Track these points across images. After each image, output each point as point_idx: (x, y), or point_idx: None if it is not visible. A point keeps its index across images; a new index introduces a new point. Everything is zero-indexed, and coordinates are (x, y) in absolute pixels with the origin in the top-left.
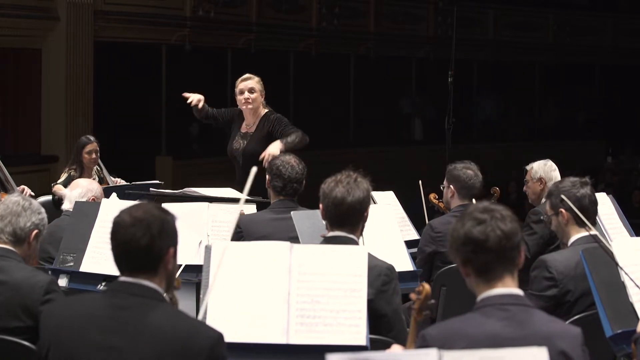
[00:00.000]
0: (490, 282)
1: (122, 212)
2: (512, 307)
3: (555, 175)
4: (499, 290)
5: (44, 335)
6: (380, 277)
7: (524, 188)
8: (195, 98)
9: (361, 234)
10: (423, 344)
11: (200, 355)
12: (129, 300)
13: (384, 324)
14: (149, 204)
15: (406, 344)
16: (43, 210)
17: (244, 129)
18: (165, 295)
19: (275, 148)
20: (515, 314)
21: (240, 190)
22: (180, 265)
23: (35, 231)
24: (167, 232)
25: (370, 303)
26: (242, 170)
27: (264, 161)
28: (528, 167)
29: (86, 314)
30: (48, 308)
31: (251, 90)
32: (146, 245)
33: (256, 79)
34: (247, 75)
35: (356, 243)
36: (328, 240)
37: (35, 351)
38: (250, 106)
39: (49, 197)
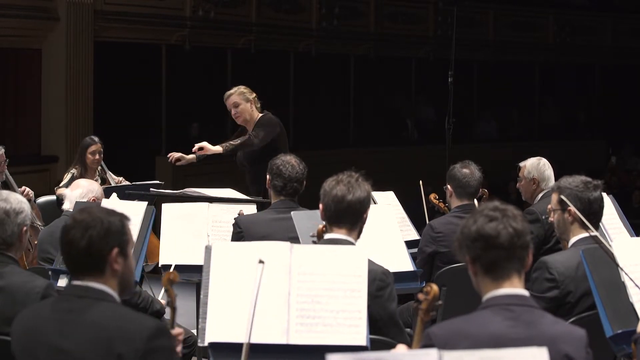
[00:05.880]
0: (497, 281)
1: (70, 215)
2: (517, 307)
3: (549, 174)
4: (505, 290)
5: (12, 345)
6: (375, 282)
7: (517, 185)
8: (176, 156)
9: (359, 237)
10: (428, 342)
11: (137, 349)
12: (75, 303)
13: (379, 329)
14: (97, 207)
15: (412, 344)
16: (23, 201)
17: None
18: (115, 295)
19: (214, 147)
20: (520, 314)
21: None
22: (170, 265)
23: (24, 228)
24: (109, 233)
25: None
26: (251, 174)
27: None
28: (521, 165)
29: (42, 320)
30: (16, 320)
31: (235, 105)
32: (85, 246)
33: (238, 90)
34: (227, 93)
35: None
36: (326, 242)
37: None
38: (240, 120)
39: (49, 198)
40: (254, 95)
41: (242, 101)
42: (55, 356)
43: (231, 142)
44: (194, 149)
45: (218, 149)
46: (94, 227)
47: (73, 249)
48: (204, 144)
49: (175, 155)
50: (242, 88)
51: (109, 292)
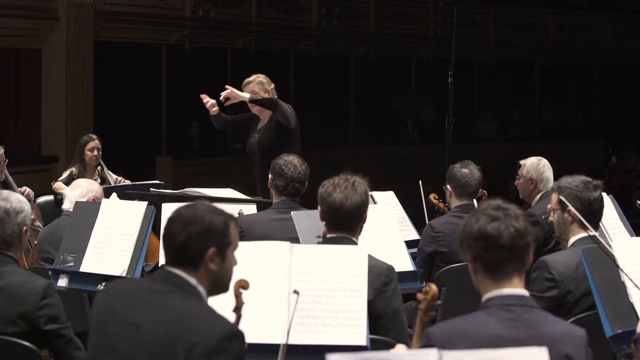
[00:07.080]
0: (498, 281)
1: (179, 207)
2: (517, 308)
3: (547, 175)
4: (505, 290)
5: (92, 311)
6: (380, 277)
7: (515, 182)
8: (211, 102)
9: (359, 234)
10: (427, 342)
11: (206, 345)
12: (160, 285)
13: (382, 325)
14: (204, 204)
15: (411, 344)
16: (23, 201)
17: (259, 126)
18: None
19: (242, 93)
20: (520, 315)
21: (257, 192)
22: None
23: (24, 228)
24: (208, 233)
25: (370, 304)
26: (260, 165)
27: (224, 95)
28: (521, 162)
29: (124, 293)
30: (103, 288)
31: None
32: (182, 241)
33: (257, 79)
34: (246, 80)
35: (355, 244)
36: (327, 241)
37: (35, 351)
38: (255, 109)
39: (49, 198)
40: (273, 85)
41: (260, 91)
42: (125, 327)
43: (259, 95)
44: (222, 94)
45: (245, 95)
46: (194, 223)
47: (171, 241)
48: (232, 89)
49: (211, 100)
50: (261, 77)
51: (195, 286)
